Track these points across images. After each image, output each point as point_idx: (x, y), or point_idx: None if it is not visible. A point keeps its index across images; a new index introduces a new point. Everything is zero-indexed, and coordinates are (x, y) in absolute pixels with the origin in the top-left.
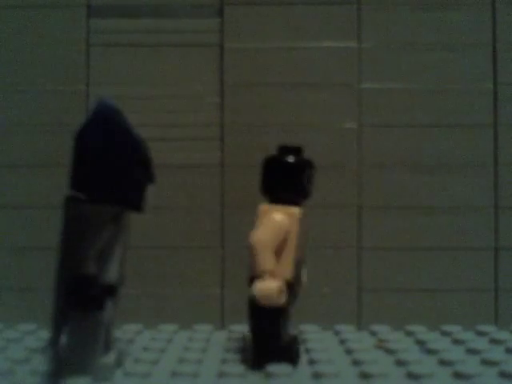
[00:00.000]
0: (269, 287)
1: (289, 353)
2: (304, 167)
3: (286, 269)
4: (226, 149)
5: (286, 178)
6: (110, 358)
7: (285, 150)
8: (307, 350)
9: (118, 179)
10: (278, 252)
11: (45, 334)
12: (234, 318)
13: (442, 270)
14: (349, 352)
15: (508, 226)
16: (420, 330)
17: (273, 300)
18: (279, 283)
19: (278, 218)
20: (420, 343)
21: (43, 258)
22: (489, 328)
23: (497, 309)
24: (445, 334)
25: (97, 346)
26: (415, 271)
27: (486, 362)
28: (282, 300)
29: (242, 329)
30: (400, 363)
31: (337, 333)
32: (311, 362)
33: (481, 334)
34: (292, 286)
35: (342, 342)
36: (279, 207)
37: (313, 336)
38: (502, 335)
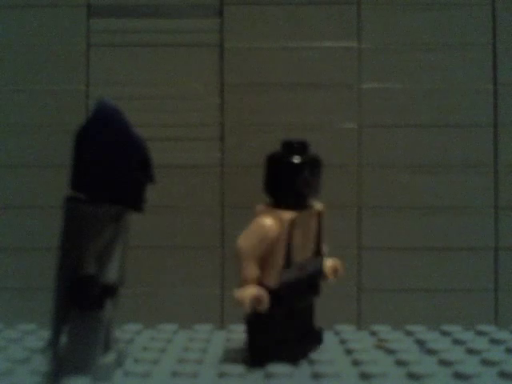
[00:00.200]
0: (242, 296)
1: (285, 352)
2: (302, 167)
3: (271, 276)
4: (226, 149)
5: (282, 179)
6: (109, 357)
7: (288, 146)
8: None
9: (117, 179)
10: (265, 258)
11: (45, 334)
12: (234, 318)
13: (442, 270)
14: (349, 352)
15: (508, 225)
16: (420, 330)
17: (246, 308)
18: (254, 292)
19: (264, 224)
20: (420, 343)
21: (43, 258)
22: (489, 328)
23: (497, 309)
24: (445, 333)
25: (97, 346)
26: (415, 271)
27: (486, 362)
28: (263, 307)
29: (242, 329)
30: (400, 363)
31: (337, 333)
32: (311, 362)
33: (481, 333)
34: (276, 294)
35: (342, 342)
36: (272, 211)
37: None
38: (502, 335)
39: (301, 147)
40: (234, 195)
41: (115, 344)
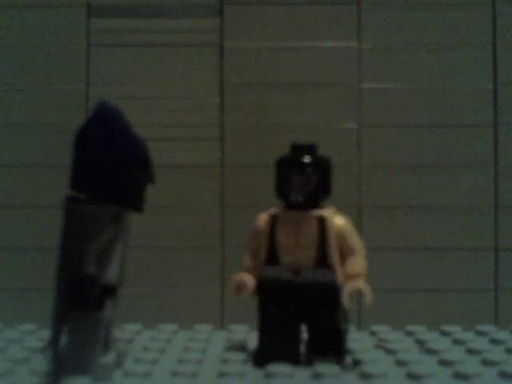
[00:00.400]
0: (231, 279)
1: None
2: (300, 168)
3: (258, 268)
4: (226, 149)
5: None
6: (109, 357)
7: (295, 148)
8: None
9: (118, 179)
10: (258, 250)
11: (45, 334)
12: (234, 318)
13: (442, 269)
14: (349, 352)
15: (508, 225)
16: (420, 330)
17: (231, 291)
18: (239, 277)
19: (258, 217)
20: (420, 343)
21: (43, 258)
22: (489, 328)
23: (497, 309)
24: (445, 334)
25: (97, 346)
26: (415, 271)
27: (486, 362)
28: (246, 293)
29: (242, 329)
30: (400, 363)
31: None
32: (311, 362)
33: (481, 334)
34: (262, 288)
35: None
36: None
37: None
38: (502, 335)
39: (297, 149)
40: (234, 195)
41: (115, 344)
